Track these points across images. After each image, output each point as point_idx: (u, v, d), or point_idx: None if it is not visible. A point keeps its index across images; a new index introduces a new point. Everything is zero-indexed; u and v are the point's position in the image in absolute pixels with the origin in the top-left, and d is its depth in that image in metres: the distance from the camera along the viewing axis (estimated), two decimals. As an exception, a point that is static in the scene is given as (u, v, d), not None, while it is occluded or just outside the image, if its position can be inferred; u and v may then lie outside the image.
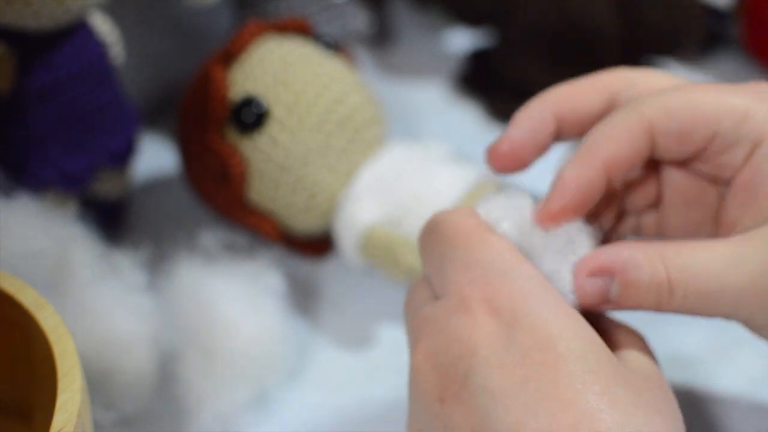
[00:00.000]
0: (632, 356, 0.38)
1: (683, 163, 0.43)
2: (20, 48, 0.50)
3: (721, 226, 0.42)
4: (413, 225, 0.50)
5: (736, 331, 0.53)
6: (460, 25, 0.68)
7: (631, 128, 0.41)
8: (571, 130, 0.44)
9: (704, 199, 0.43)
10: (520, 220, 0.41)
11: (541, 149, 0.44)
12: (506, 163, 0.44)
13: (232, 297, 0.49)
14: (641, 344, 0.40)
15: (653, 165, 0.44)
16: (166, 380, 0.49)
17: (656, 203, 0.45)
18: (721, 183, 0.42)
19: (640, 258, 0.38)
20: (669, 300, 0.38)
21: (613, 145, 0.41)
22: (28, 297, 0.39)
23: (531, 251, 0.41)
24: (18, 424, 0.42)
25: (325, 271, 0.57)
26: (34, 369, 0.40)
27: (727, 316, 0.40)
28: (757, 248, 0.38)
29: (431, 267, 0.41)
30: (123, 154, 0.55)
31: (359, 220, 0.51)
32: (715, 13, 0.67)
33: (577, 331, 0.37)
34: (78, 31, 0.51)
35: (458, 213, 0.42)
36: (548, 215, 0.41)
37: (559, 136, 0.44)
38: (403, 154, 0.53)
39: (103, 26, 0.54)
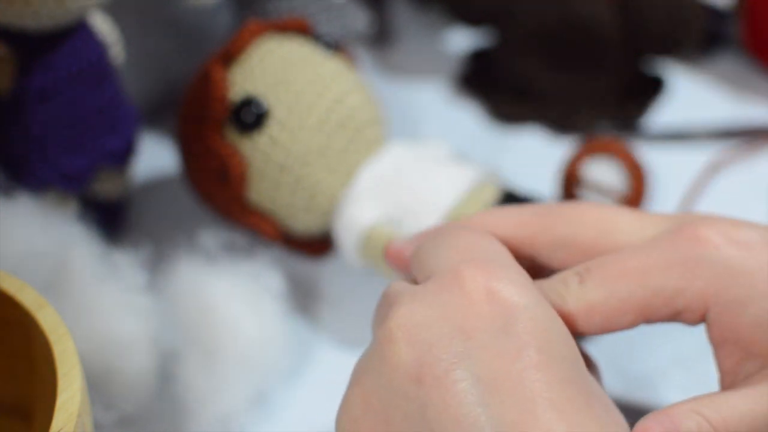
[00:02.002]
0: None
1: None
2: (20, 48, 0.50)
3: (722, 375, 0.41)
4: (413, 225, 0.50)
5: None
6: (460, 25, 0.68)
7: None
8: None
9: None
10: None
11: None
12: (395, 267, 0.45)
13: (232, 297, 0.49)
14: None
15: None
16: (166, 380, 0.49)
17: None
18: None
19: (680, 411, 0.38)
20: None
21: None
22: (28, 297, 0.39)
23: None
24: (18, 424, 0.42)
25: (325, 271, 0.57)
26: (34, 369, 0.40)
27: None
28: None
29: (421, 262, 0.40)
30: (123, 154, 0.55)
31: (359, 221, 0.51)
32: (715, 13, 0.67)
33: (569, 340, 0.37)
34: (78, 31, 0.51)
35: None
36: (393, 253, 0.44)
37: None
38: (403, 154, 0.53)
39: (103, 26, 0.54)
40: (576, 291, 0.40)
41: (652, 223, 0.42)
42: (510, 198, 0.52)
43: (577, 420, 0.34)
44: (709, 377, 0.51)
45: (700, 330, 0.53)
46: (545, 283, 0.41)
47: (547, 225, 0.42)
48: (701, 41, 0.65)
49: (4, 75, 0.51)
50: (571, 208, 0.43)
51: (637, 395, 0.49)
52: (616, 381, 0.49)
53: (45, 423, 0.36)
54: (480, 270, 0.37)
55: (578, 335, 0.40)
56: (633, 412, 0.49)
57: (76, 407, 0.35)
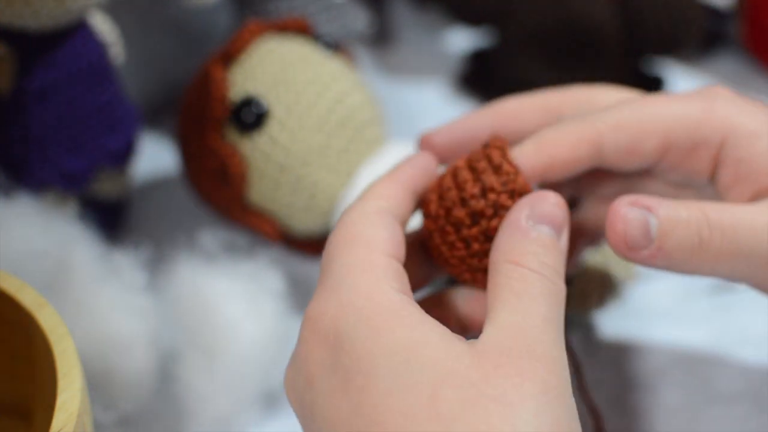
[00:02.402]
0: (493, 326, 0.35)
1: (650, 174, 0.43)
2: (20, 48, 0.51)
3: None
4: (412, 224, 0.50)
5: (736, 331, 0.53)
6: (460, 25, 0.68)
7: (577, 136, 0.41)
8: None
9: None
10: None
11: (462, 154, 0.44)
12: (431, 152, 0.44)
13: (232, 297, 0.49)
14: (515, 298, 0.36)
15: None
16: (166, 380, 0.49)
17: None
18: (694, 188, 0.43)
19: (671, 201, 0.39)
20: (710, 238, 0.38)
21: (555, 148, 0.41)
22: (28, 297, 0.39)
23: None
24: (18, 424, 0.42)
25: (325, 271, 0.56)
26: (34, 369, 0.40)
27: (746, 273, 0.40)
28: None
29: None
30: (123, 154, 0.55)
31: (359, 220, 0.51)
32: (715, 13, 0.67)
33: (401, 342, 0.34)
34: (78, 31, 0.51)
35: (361, 208, 0.39)
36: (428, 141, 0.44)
37: None
38: (403, 154, 0.53)
39: (103, 26, 0.54)
40: (605, 112, 0.41)
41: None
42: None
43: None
44: (710, 378, 0.51)
45: (700, 330, 0.53)
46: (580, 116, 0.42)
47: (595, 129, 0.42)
48: (701, 41, 0.65)
49: (4, 75, 0.51)
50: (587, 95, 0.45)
51: (637, 395, 0.49)
52: (616, 381, 0.50)
53: (45, 423, 0.36)
54: (319, 308, 0.36)
55: (603, 157, 0.41)
56: (633, 412, 0.49)
57: (76, 407, 0.35)
